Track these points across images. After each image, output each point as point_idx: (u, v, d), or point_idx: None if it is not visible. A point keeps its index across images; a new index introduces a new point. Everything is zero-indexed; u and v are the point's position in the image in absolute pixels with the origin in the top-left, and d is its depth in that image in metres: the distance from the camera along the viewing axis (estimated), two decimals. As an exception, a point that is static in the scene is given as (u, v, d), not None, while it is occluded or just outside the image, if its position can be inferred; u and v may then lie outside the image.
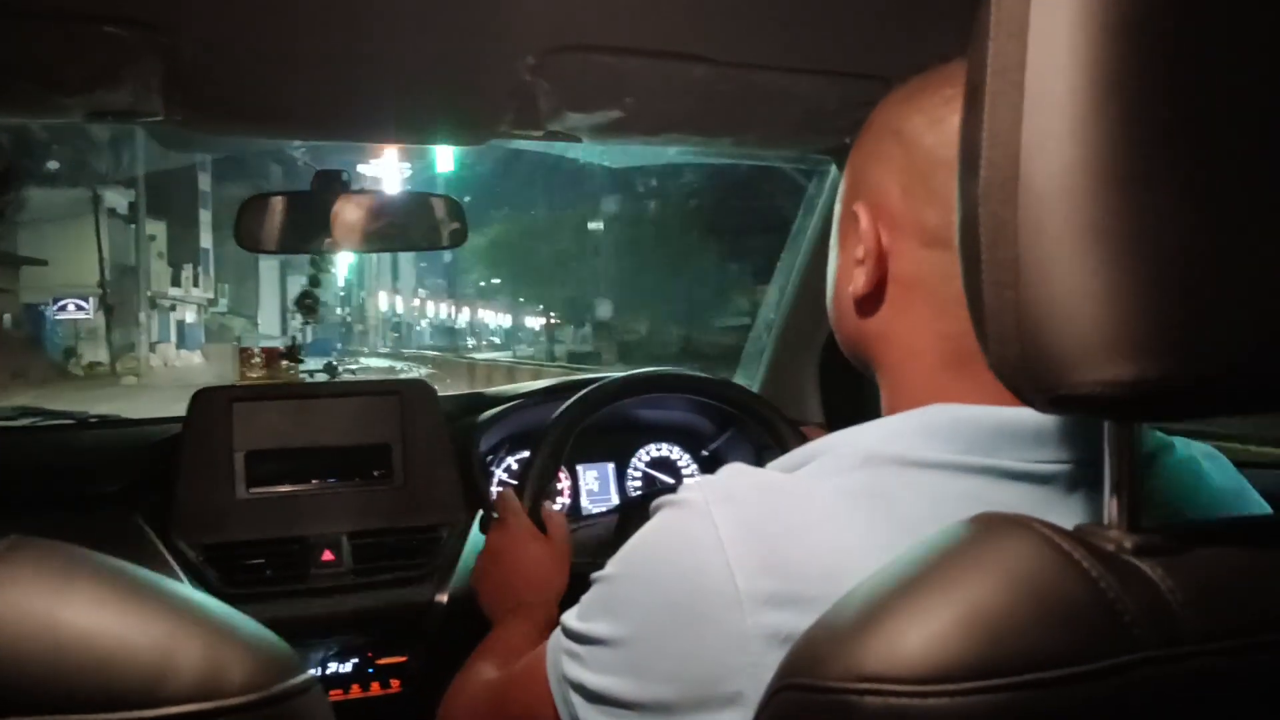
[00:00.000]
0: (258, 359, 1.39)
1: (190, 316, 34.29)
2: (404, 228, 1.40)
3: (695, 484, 0.62)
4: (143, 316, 26.84)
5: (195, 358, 31.06)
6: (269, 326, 39.94)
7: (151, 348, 28.75)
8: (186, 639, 0.40)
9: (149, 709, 0.38)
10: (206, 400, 1.30)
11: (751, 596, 0.54)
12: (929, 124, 0.63)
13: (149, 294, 29.17)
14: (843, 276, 0.70)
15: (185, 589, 0.44)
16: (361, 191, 1.36)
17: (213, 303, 37.19)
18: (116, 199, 26.69)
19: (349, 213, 1.34)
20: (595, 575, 0.65)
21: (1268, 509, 0.65)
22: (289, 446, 1.31)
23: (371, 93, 1.16)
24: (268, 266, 38.37)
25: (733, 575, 0.55)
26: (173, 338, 31.92)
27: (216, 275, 36.85)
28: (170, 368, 28.58)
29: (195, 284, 34.29)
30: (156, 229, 30.90)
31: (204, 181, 32.83)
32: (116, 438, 1.43)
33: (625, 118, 1.25)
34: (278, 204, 1.33)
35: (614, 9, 1.02)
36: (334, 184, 1.33)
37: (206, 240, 34.92)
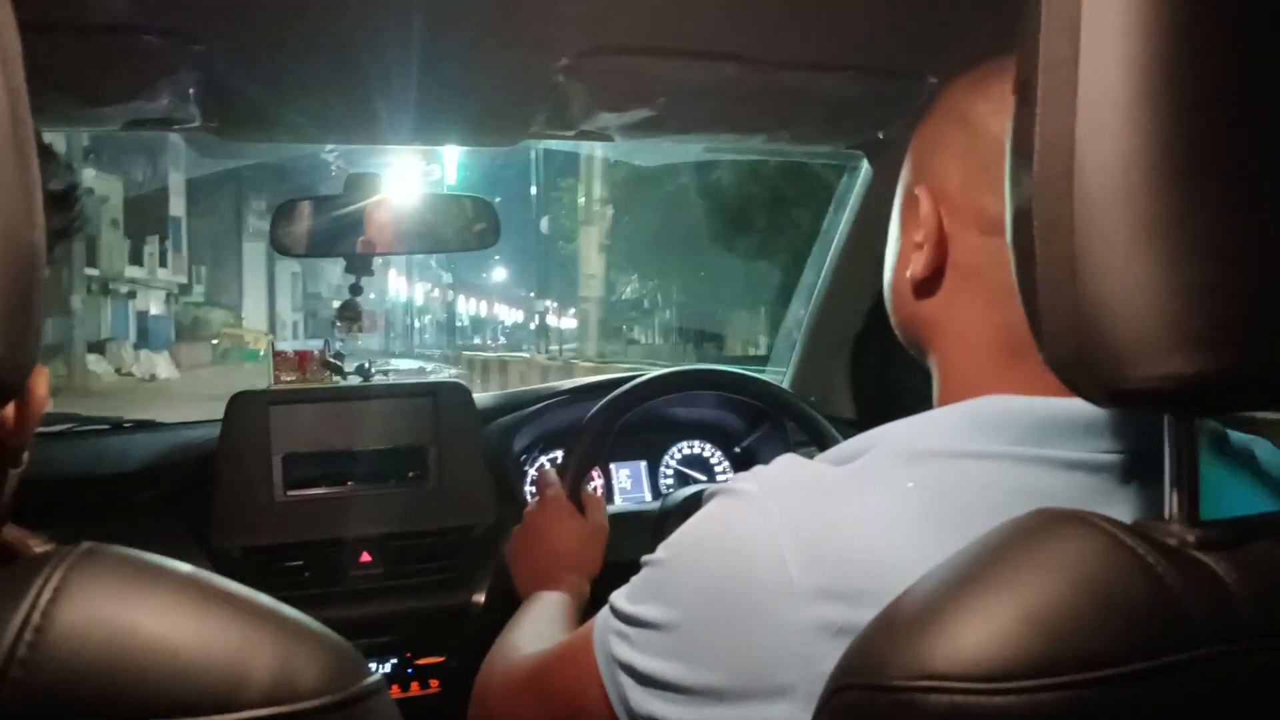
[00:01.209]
0: (292, 361, 1.81)
1: (155, 306, 33.49)
2: (435, 228, 1.78)
3: (750, 475, 0.76)
4: (77, 301, 24.54)
5: (161, 362, 29.28)
6: (255, 320, 38.68)
7: (100, 347, 27.87)
8: (260, 644, 0.49)
9: (224, 714, 0.46)
10: (244, 403, 1.67)
11: (805, 589, 0.67)
12: (994, 111, 0.76)
13: (95, 273, 28.18)
14: (901, 260, 0.85)
15: (254, 593, 0.53)
16: (393, 194, 1.74)
17: (185, 289, 36.02)
18: (48, 138, 23.03)
19: (381, 215, 1.72)
20: (646, 559, 0.80)
21: None
22: (326, 449, 1.68)
23: (405, 96, 1.48)
24: (253, 246, 37.48)
25: (786, 567, 0.68)
26: (131, 334, 31.19)
27: (190, 253, 35.25)
28: (124, 376, 27.20)
29: (162, 263, 33.11)
30: (109, 187, 29.28)
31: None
32: (154, 442, 1.81)
33: (657, 117, 1.57)
34: (310, 208, 1.72)
35: (646, 10, 1.31)
36: (366, 187, 1.72)
37: (178, 207, 33.49)
